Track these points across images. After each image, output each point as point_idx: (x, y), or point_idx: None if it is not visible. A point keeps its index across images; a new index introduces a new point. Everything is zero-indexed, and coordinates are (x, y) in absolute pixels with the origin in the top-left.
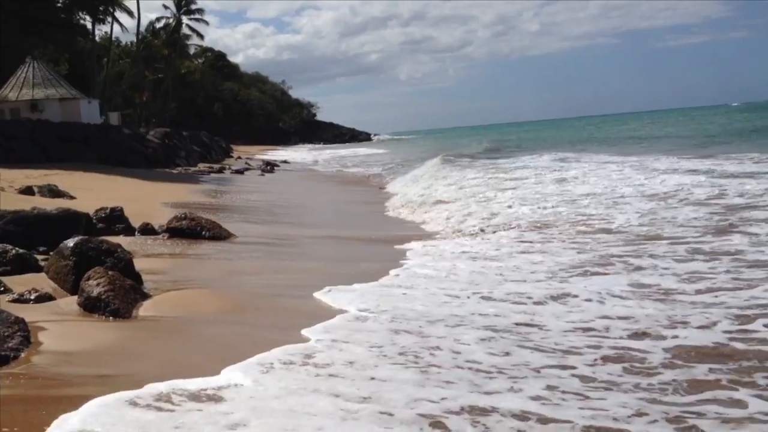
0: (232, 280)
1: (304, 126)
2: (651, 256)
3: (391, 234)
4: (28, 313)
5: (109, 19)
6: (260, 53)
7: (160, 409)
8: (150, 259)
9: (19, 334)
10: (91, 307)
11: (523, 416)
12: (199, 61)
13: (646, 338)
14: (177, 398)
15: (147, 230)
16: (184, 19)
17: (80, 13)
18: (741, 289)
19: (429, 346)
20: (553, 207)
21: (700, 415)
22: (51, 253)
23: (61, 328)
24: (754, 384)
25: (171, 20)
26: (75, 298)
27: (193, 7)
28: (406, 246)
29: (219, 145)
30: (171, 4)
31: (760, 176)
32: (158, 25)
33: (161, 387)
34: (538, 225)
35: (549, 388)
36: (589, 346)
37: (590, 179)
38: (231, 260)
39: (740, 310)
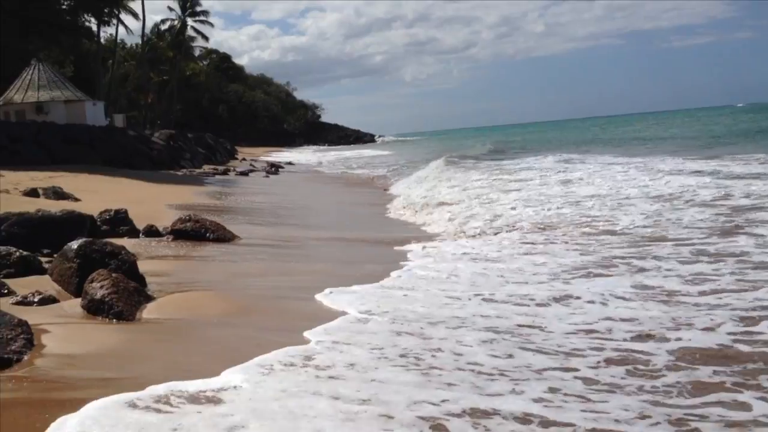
0: (236, 282)
1: (308, 127)
2: (655, 257)
3: (393, 236)
4: (32, 315)
5: (114, 21)
6: (265, 55)
7: (159, 411)
8: (154, 261)
9: (22, 336)
10: (95, 309)
11: (525, 419)
12: (204, 63)
13: (649, 340)
14: (176, 400)
15: (151, 232)
16: (189, 21)
17: (85, 16)
18: (746, 290)
19: (430, 348)
20: (557, 208)
21: (703, 417)
22: (55, 255)
23: (64, 331)
24: (759, 386)
25: (176, 22)
26: (79, 300)
27: (198, 9)
28: (407, 247)
29: (224, 146)
30: (176, 6)
31: (766, 177)
32: (163, 27)
33: (160, 389)
34: (542, 226)
35: (551, 390)
36: (591, 348)
37: (595, 180)
38: (235, 262)
39: (745, 311)
